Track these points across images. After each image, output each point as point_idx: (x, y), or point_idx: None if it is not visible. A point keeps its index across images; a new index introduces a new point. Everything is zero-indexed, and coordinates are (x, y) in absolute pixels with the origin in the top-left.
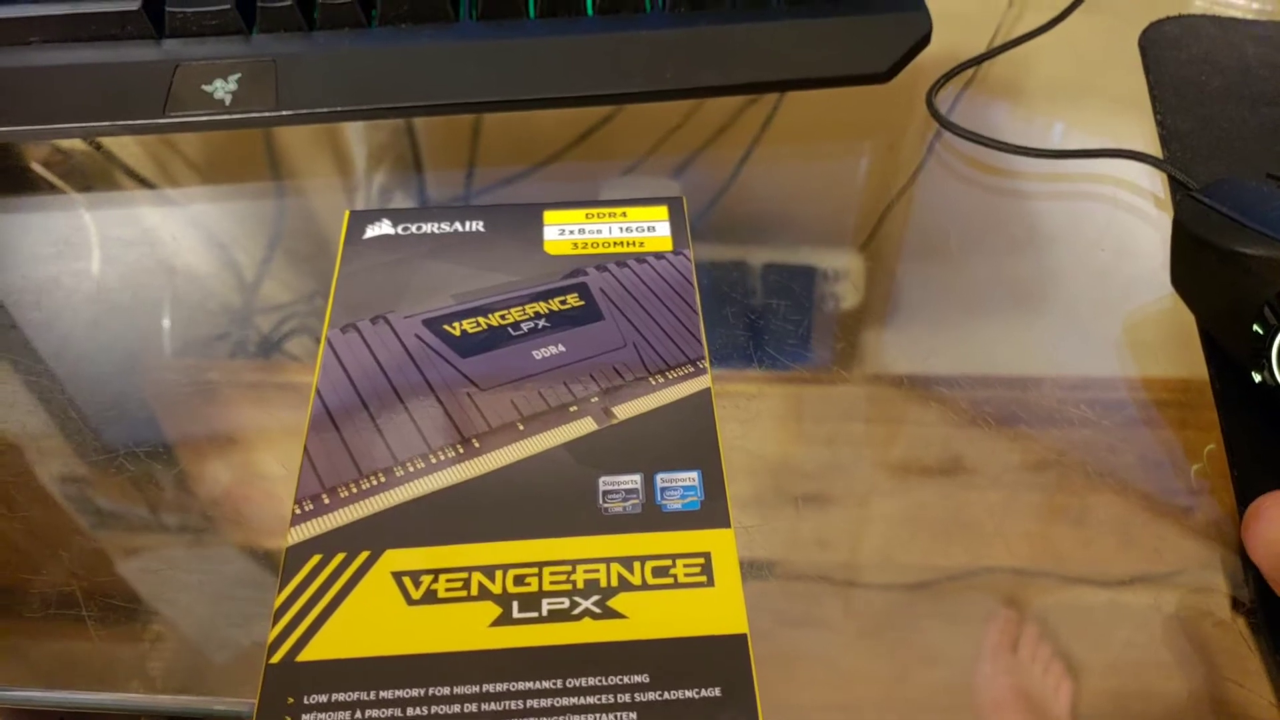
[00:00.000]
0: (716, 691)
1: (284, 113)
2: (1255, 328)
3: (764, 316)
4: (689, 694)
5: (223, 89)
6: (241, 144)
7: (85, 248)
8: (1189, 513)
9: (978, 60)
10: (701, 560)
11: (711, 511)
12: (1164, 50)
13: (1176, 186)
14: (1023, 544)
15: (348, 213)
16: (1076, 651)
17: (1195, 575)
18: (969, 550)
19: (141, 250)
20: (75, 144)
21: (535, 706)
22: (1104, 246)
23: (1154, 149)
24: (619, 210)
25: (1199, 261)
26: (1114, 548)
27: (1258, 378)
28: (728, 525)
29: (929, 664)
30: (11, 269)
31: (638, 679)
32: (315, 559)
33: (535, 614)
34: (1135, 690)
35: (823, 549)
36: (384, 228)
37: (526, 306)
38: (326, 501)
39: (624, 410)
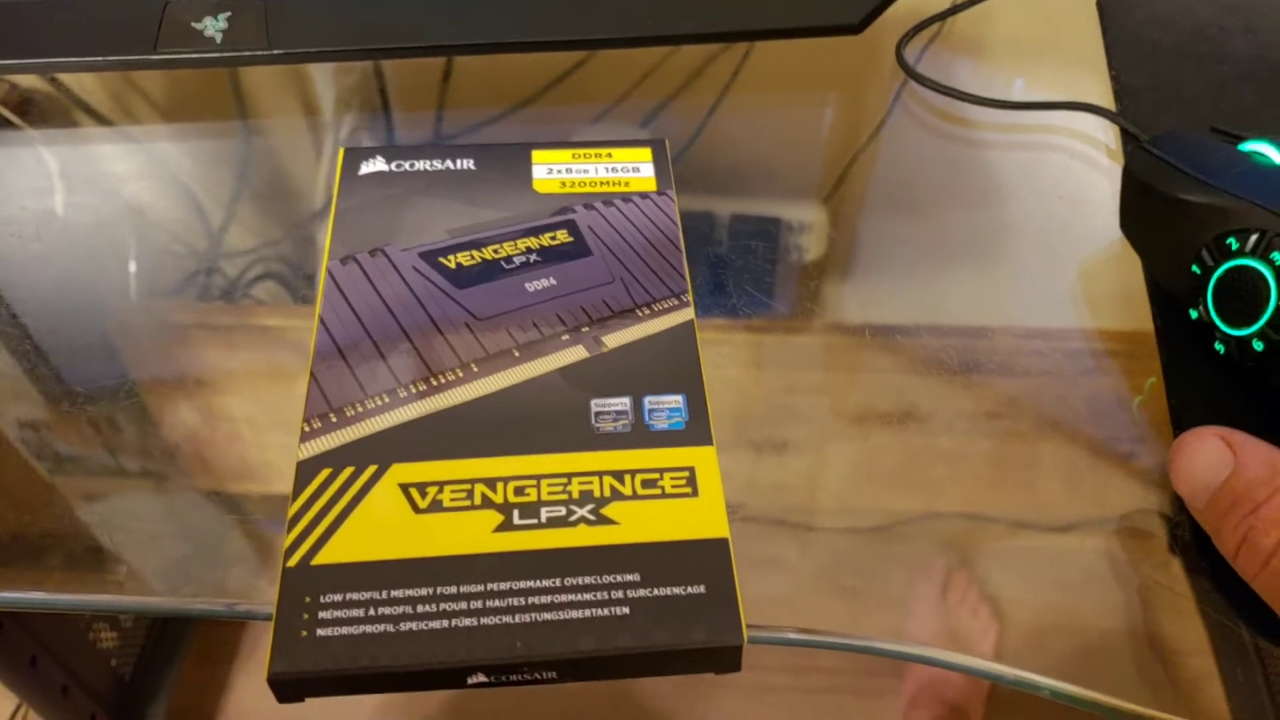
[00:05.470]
0: (701, 589)
1: (275, 51)
2: (1194, 268)
3: (729, 261)
4: (676, 591)
5: (213, 26)
6: (222, 82)
7: (77, 183)
8: (1133, 455)
9: (946, 14)
10: (686, 474)
11: (695, 431)
12: (1121, 10)
13: (1128, 138)
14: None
15: (342, 149)
16: (1018, 593)
17: (1137, 517)
18: (924, 496)
19: (138, 185)
20: (45, 81)
21: (536, 603)
22: (1060, 195)
23: (1108, 103)
24: (605, 151)
25: (1146, 208)
26: (1061, 491)
27: (1194, 314)
28: (710, 443)
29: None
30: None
31: (629, 578)
32: (325, 472)
33: (535, 520)
34: (1070, 626)
35: (781, 491)
36: (378, 164)
37: (518, 241)
38: (334, 420)
39: (613, 339)
